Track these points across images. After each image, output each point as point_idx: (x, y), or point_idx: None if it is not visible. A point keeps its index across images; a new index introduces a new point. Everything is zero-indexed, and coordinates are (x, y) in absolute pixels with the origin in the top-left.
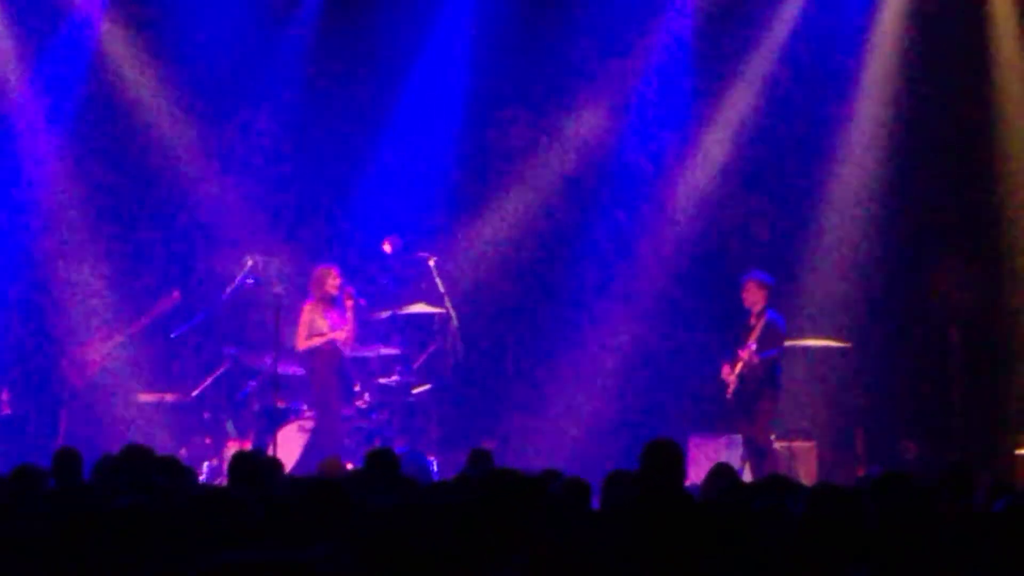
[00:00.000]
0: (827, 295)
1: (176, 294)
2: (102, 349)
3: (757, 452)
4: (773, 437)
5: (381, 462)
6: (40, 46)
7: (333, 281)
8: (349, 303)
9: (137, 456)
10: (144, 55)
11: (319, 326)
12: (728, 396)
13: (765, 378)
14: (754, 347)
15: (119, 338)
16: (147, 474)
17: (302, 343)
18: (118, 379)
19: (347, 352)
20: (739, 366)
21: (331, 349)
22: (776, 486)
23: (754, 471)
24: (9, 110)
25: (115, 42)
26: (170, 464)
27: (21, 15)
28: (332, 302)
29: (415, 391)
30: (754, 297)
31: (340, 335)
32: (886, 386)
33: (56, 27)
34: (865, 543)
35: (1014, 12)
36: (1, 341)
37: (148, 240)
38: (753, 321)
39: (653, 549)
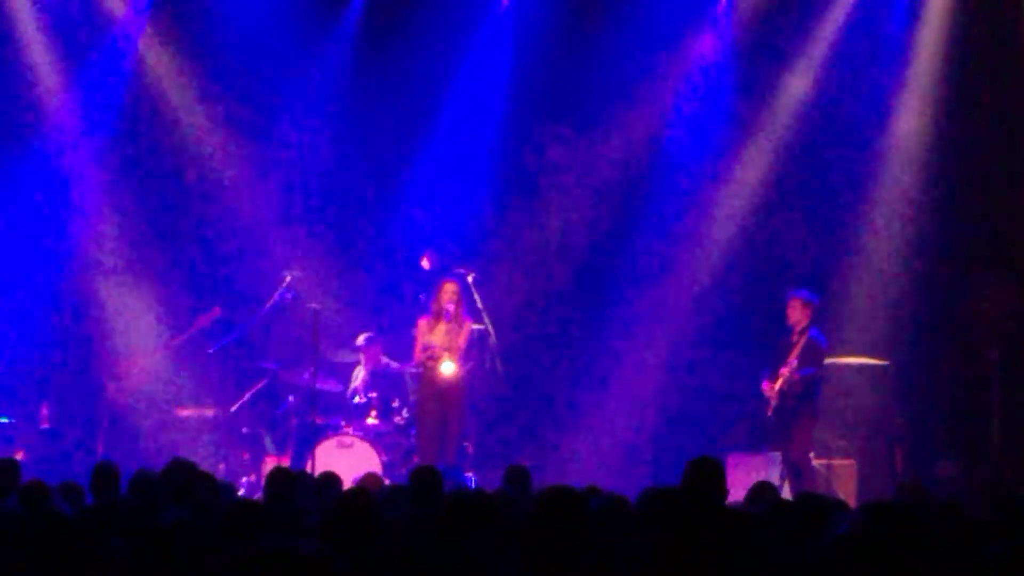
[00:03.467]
0: (866, 313)
1: (217, 310)
2: (143, 365)
3: (795, 470)
4: (812, 455)
5: (424, 479)
6: (80, 60)
7: (444, 296)
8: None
9: (181, 470)
10: (183, 69)
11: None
12: (769, 413)
13: (804, 396)
14: (795, 364)
15: (160, 353)
16: (191, 488)
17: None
18: (157, 394)
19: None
20: (779, 382)
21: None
22: (814, 505)
23: (793, 489)
24: (50, 124)
25: (155, 56)
26: (207, 480)
27: (62, 29)
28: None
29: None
30: (798, 315)
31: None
32: (925, 404)
33: (96, 41)
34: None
35: None
36: (42, 356)
37: (188, 254)
38: (795, 338)
39: (696, 566)
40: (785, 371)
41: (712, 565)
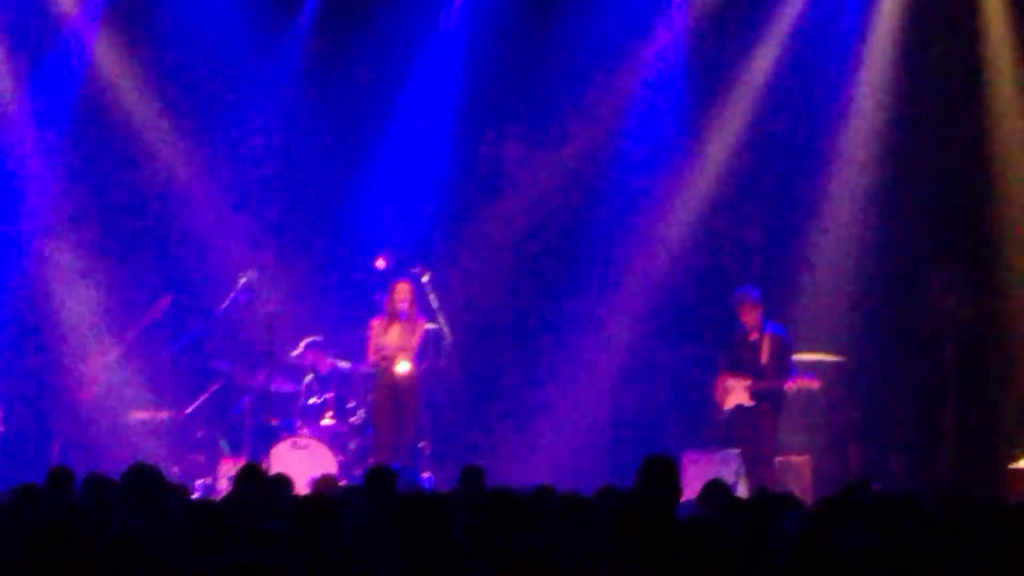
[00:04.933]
0: (821, 309)
1: (167, 298)
2: (103, 362)
3: (764, 467)
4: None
5: (378, 479)
6: (33, 60)
7: (398, 296)
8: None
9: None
10: (137, 68)
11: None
12: (723, 409)
13: (780, 396)
14: (816, 381)
15: (118, 349)
16: (149, 492)
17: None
18: (111, 397)
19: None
20: (756, 385)
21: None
22: (770, 502)
23: (753, 486)
24: (2, 123)
25: (108, 55)
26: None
27: (13, 29)
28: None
29: None
30: (753, 316)
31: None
32: (880, 400)
33: (49, 41)
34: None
35: (1008, 20)
36: None
37: (142, 256)
38: (755, 337)
39: (650, 566)
40: (804, 381)
41: (666, 565)
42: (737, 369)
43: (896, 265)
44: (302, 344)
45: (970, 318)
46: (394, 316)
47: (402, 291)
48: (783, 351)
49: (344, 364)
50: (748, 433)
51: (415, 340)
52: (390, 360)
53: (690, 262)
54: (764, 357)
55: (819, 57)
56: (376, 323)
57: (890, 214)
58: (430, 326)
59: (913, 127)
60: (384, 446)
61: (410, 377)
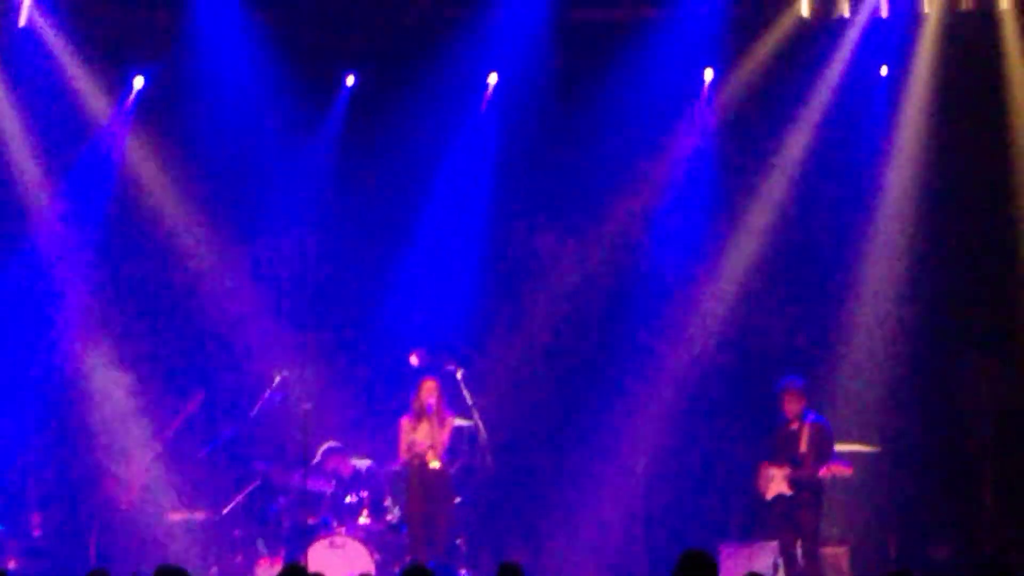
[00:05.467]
0: (856, 398)
1: (201, 393)
2: (142, 464)
3: (805, 558)
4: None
5: None
6: (67, 163)
7: (424, 393)
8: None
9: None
10: (168, 167)
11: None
12: (767, 498)
13: (820, 488)
14: (848, 468)
15: (156, 449)
16: None
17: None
18: (150, 498)
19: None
20: (795, 474)
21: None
22: None
23: None
24: (37, 227)
25: (139, 154)
26: None
27: (47, 132)
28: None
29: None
30: (795, 405)
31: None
32: (918, 489)
33: (81, 142)
34: None
35: None
36: (34, 464)
37: (175, 355)
38: (796, 426)
39: None
40: (836, 468)
41: None
42: (777, 458)
43: (929, 351)
44: (319, 451)
45: (1006, 401)
46: (422, 413)
47: (428, 388)
48: (822, 440)
49: (364, 463)
50: (787, 523)
51: (444, 436)
52: (421, 457)
53: (723, 354)
54: (803, 446)
55: (850, 143)
56: (405, 421)
57: (923, 299)
58: (464, 423)
59: (944, 211)
60: (419, 543)
61: (441, 474)
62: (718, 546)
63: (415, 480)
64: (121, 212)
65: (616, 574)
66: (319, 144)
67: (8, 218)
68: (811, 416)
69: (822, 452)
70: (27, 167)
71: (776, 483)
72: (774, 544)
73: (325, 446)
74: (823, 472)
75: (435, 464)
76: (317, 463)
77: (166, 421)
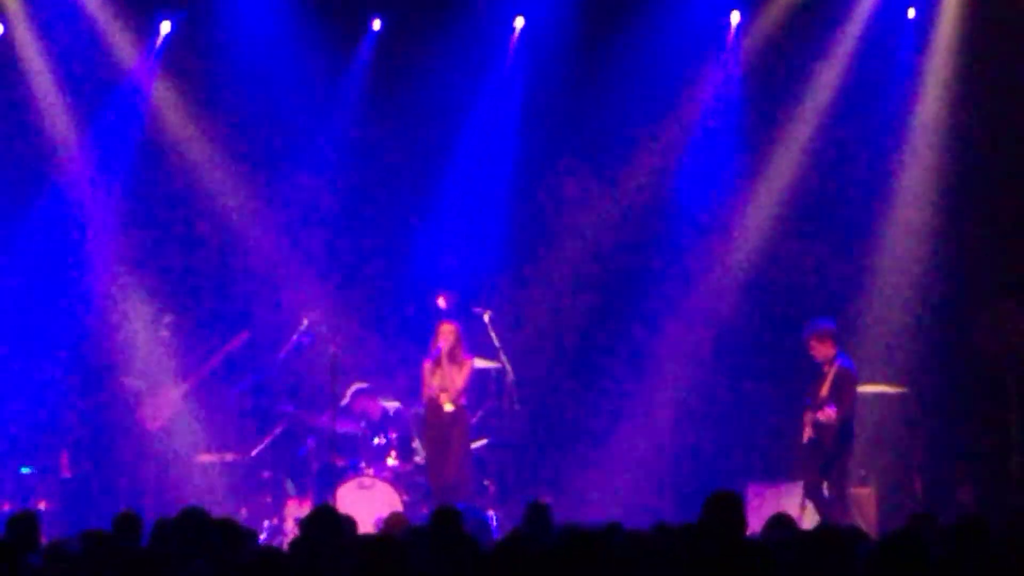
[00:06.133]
0: (884, 340)
1: (245, 333)
2: (172, 396)
3: (830, 501)
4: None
5: (445, 520)
6: (94, 109)
7: (440, 338)
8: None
9: (193, 519)
10: (196, 112)
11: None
12: (804, 441)
13: (840, 433)
14: (832, 412)
15: (187, 383)
16: (203, 537)
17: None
18: (178, 432)
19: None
20: (816, 417)
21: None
22: (834, 536)
23: (833, 520)
24: (64, 172)
25: (167, 101)
26: (228, 526)
27: (75, 77)
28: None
29: (473, 446)
30: (822, 350)
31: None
32: (944, 431)
33: (110, 90)
34: None
35: None
36: (63, 405)
37: (203, 298)
38: (827, 368)
39: None
40: (821, 416)
41: None
42: (809, 403)
43: (957, 296)
44: (348, 393)
45: None
46: (440, 356)
47: (443, 332)
48: (841, 384)
49: (393, 405)
50: (812, 465)
51: (460, 379)
52: (435, 400)
53: (751, 294)
54: (824, 390)
55: (878, 86)
56: (426, 364)
57: (951, 245)
58: (492, 365)
59: (974, 157)
60: (435, 485)
61: (455, 416)
62: (746, 486)
63: (430, 423)
64: (149, 156)
65: (644, 515)
66: (346, 88)
67: (38, 162)
68: (839, 360)
69: (840, 396)
70: (55, 112)
71: (808, 427)
72: (801, 484)
73: (354, 387)
74: (818, 415)
75: (448, 407)
76: (346, 404)
77: (198, 361)
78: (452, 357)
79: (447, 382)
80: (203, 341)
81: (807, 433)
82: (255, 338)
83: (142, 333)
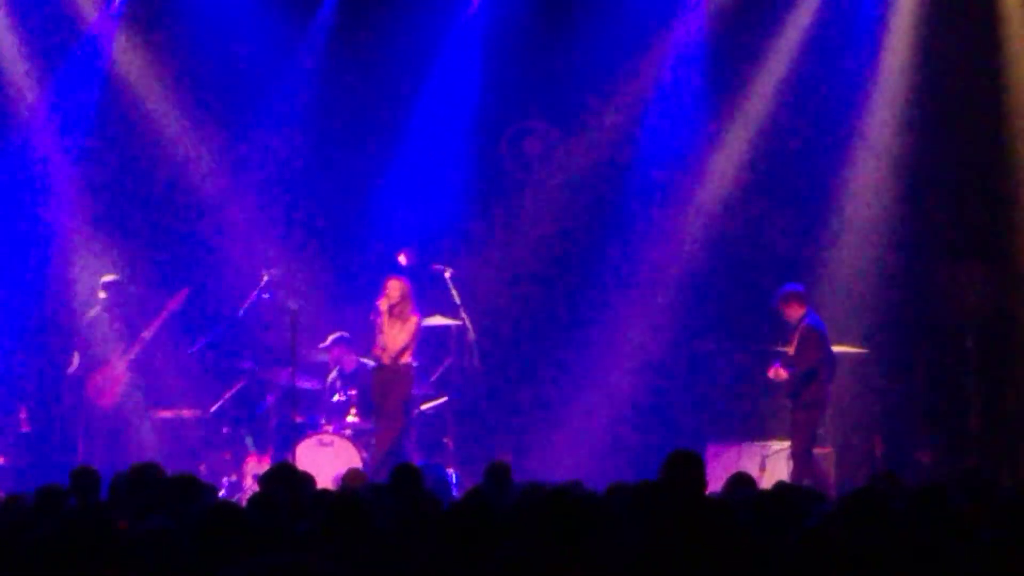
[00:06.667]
0: (843, 302)
1: (185, 290)
2: (122, 365)
3: (795, 459)
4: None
5: (405, 476)
6: (54, 63)
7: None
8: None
9: (147, 475)
10: (157, 68)
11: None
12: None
13: (797, 390)
14: (781, 370)
15: (136, 348)
16: (159, 493)
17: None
18: (136, 396)
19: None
20: (772, 374)
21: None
22: (791, 495)
23: (793, 479)
24: (24, 126)
25: (127, 55)
26: (188, 481)
27: (35, 32)
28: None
29: (432, 404)
30: (792, 312)
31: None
32: (903, 392)
33: (69, 42)
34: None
35: None
36: (20, 359)
37: (163, 254)
38: (796, 329)
39: (678, 558)
40: (770, 372)
41: (693, 556)
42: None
43: (916, 258)
44: (330, 338)
45: (989, 310)
46: (386, 312)
47: (389, 288)
48: (802, 341)
49: (370, 362)
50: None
51: (404, 336)
52: (378, 356)
53: (711, 255)
54: (791, 350)
55: (840, 48)
56: (377, 320)
57: (910, 207)
58: (452, 322)
59: (931, 121)
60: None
61: (392, 372)
62: (706, 446)
63: (373, 378)
64: (108, 112)
65: (604, 473)
66: (307, 43)
67: None
68: (806, 319)
69: (799, 351)
70: (13, 66)
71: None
72: (760, 444)
73: (337, 334)
74: (769, 373)
75: (384, 360)
76: (325, 347)
77: (147, 320)
78: (398, 314)
79: (388, 339)
80: (161, 300)
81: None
82: (216, 295)
83: (94, 294)
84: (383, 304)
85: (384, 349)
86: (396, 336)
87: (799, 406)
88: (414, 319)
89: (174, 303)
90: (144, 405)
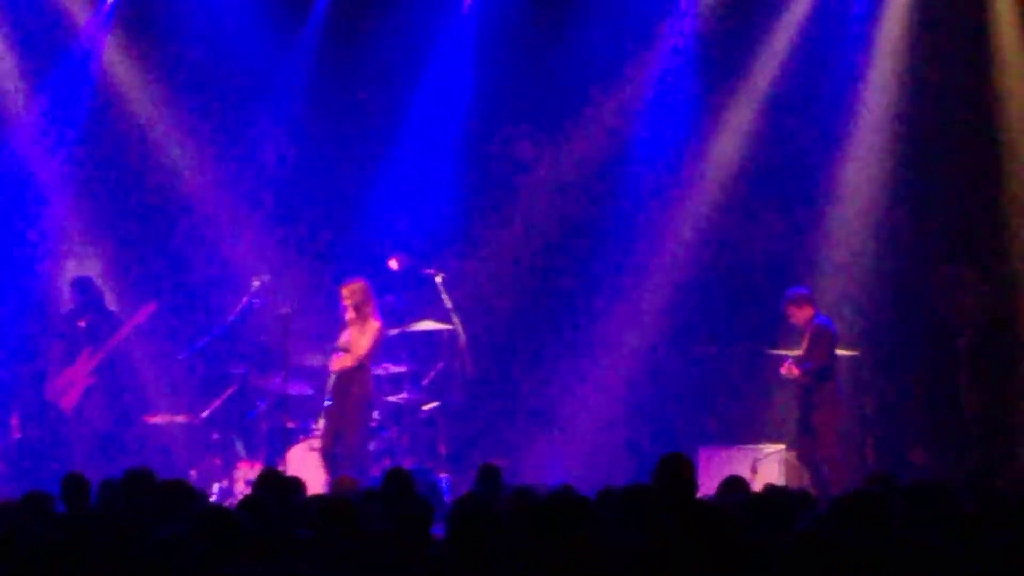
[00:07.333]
0: (835, 303)
1: (152, 304)
2: (84, 370)
3: (818, 464)
4: (784, 446)
5: (397, 481)
6: (44, 67)
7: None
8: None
9: (139, 480)
10: (147, 73)
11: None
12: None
13: (811, 386)
14: (793, 367)
15: (100, 355)
16: (150, 498)
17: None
18: (90, 403)
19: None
20: (784, 371)
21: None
22: (781, 498)
23: (816, 485)
24: (14, 130)
25: (118, 61)
26: (178, 487)
27: (23, 36)
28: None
29: (424, 408)
30: (800, 315)
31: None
32: (895, 394)
33: (59, 47)
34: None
35: (1017, 16)
36: (11, 365)
37: (154, 262)
38: (806, 331)
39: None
40: (783, 369)
41: (684, 559)
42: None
43: (909, 258)
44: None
45: (983, 310)
46: (348, 319)
47: (344, 294)
48: (813, 341)
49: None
50: (795, 429)
51: (364, 340)
52: (333, 361)
53: (703, 259)
54: (803, 350)
55: (828, 53)
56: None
57: (901, 209)
58: (444, 327)
59: (923, 122)
60: (324, 442)
61: (345, 377)
62: (697, 449)
63: (330, 383)
64: (99, 116)
65: (596, 477)
66: (299, 46)
67: None
68: (816, 319)
69: (811, 349)
70: (5, 70)
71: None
72: (752, 448)
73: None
74: (782, 370)
75: (341, 364)
76: (335, 346)
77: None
78: (359, 318)
79: (351, 343)
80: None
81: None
82: (207, 301)
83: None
84: (343, 310)
85: (348, 352)
86: (358, 340)
87: (812, 407)
88: (375, 324)
89: (139, 317)
90: (111, 412)
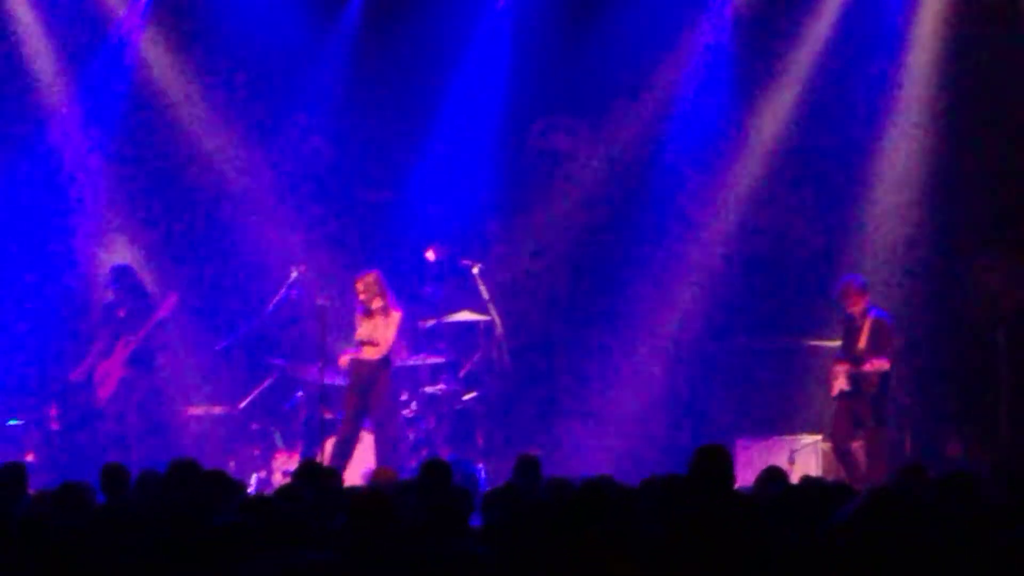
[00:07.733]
0: (874, 295)
1: (174, 296)
2: (119, 360)
3: (875, 455)
4: (822, 437)
5: (434, 472)
6: (82, 59)
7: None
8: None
9: (182, 471)
10: (184, 67)
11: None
12: (832, 395)
13: (884, 380)
14: (882, 361)
15: (132, 346)
16: (191, 489)
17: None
18: (121, 396)
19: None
20: (852, 370)
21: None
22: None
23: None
24: (52, 124)
25: (155, 54)
26: (219, 478)
27: (63, 29)
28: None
29: (462, 399)
30: (857, 303)
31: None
32: (933, 386)
33: (97, 41)
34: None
35: None
36: (51, 357)
37: (192, 253)
38: (860, 323)
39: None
40: (868, 367)
41: (719, 551)
42: (844, 356)
43: (946, 251)
44: None
45: (1020, 303)
46: (363, 312)
47: (359, 288)
48: (879, 335)
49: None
50: (841, 418)
51: (388, 332)
52: (357, 354)
53: (740, 249)
54: (862, 342)
55: (867, 41)
56: (357, 316)
57: (939, 200)
58: (481, 317)
59: (961, 112)
60: (344, 434)
61: (370, 368)
62: (735, 441)
63: (351, 376)
64: (136, 110)
65: (633, 468)
66: (336, 40)
67: (24, 116)
68: (873, 311)
69: (878, 347)
70: (42, 64)
71: (839, 380)
72: (790, 439)
73: None
74: (866, 367)
75: (372, 355)
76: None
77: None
78: (377, 310)
79: (372, 334)
80: (190, 299)
81: (837, 387)
82: (245, 291)
83: None
84: (361, 302)
85: (368, 344)
86: (383, 331)
87: (873, 399)
88: (396, 314)
89: (163, 311)
90: (146, 403)
